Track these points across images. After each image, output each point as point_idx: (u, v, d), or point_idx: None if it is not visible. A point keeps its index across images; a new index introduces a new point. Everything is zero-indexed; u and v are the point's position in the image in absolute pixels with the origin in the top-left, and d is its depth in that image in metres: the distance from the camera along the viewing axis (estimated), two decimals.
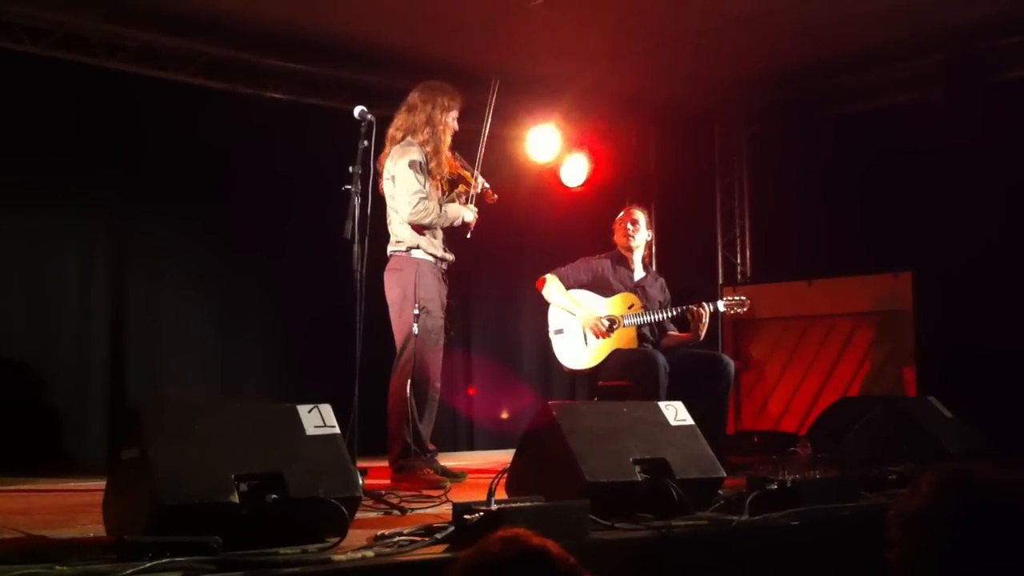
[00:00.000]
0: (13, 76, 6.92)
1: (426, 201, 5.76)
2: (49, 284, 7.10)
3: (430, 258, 5.84)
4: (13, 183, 6.98)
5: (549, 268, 6.72)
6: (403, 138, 5.89)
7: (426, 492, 4.89)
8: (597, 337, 6.38)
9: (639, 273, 6.72)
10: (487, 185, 6.08)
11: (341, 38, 7.67)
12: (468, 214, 5.94)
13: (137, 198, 7.44)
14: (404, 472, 5.61)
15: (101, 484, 3.55)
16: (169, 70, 7.48)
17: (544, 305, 6.61)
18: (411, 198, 5.73)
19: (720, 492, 4.27)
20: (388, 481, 5.44)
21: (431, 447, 5.88)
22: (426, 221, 5.78)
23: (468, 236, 5.99)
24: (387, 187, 5.86)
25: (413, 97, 5.99)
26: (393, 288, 5.82)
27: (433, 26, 7.41)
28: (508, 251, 8.62)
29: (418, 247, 5.81)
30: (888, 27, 7.58)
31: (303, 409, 3.59)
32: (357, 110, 5.15)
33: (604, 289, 6.59)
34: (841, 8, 7.22)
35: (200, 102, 7.57)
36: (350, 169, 5.03)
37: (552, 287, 6.55)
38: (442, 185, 5.97)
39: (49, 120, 7.04)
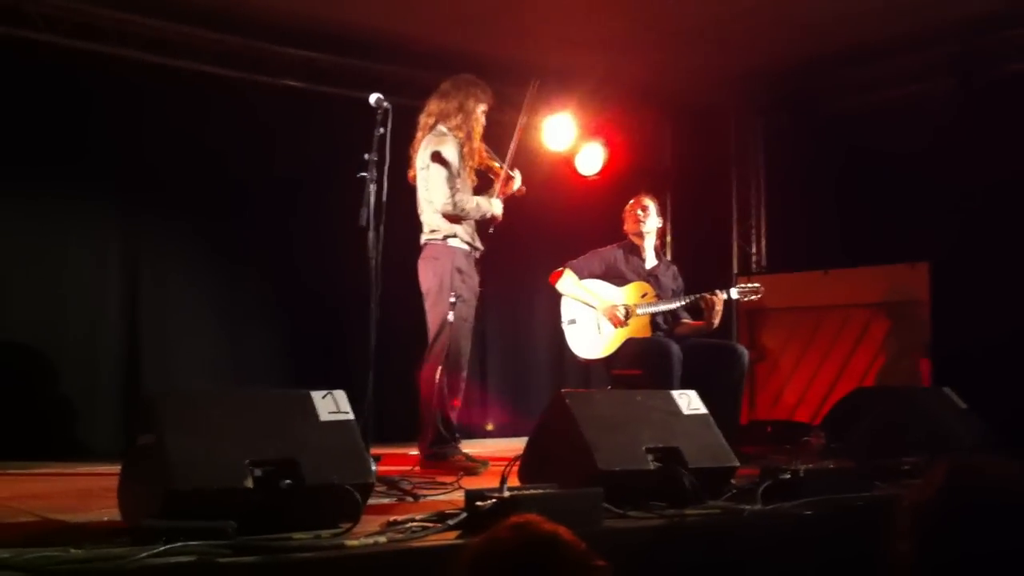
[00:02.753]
0: (24, 63, 6.93)
1: (459, 194, 5.80)
2: (62, 275, 7.10)
3: (466, 247, 5.88)
4: (25, 174, 6.96)
5: (563, 257, 6.72)
6: (435, 124, 5.93)
7: (463, 478, 4.86)
8: (615, 326, 6.39)
9: (651, 261, 6.72)
10: (520, 180, 6.11)
11: (353, 27, 7.66)
12: (497, 207, 5.97)
13: (148, 188, 7.43)
14: (437, 459, 5.61)
15: (116, 469, 3.57)
16: (180, 58, 7.47)
17: (558, 294, 6.62)
18: (444, 189, 5.77)
19: (733, 481, 4.27)
20: (407, 467, 5.44)
21: (456, 435, 5.90)
22: (460, 212, 5.81)
23: (491, 231, 6.02)
24: (421, 178, 5.89)
25: (446, 85, 6.03)
26: (430, 276, 5.84)
27: (446, 15, 7.40)
28: (522, 240, 8.60)
29: (455, 235, 5.85)
30: (899, 20, 7.55)
31: (317, 395, 3.61)
32: (373, 97, 5.14)
33: (617, 279, 6.59)
34: (854, 2, 7.19)
35: (210, 91, 7.55)
36: (365, 156, 5.03)
37: (566, 279, 6.56)
38: (472, 174, 6.00)
39: (61, 113, 7.03)
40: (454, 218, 5.82)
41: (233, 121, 7.55)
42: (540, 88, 6.37)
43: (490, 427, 8.70)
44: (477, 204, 5.88)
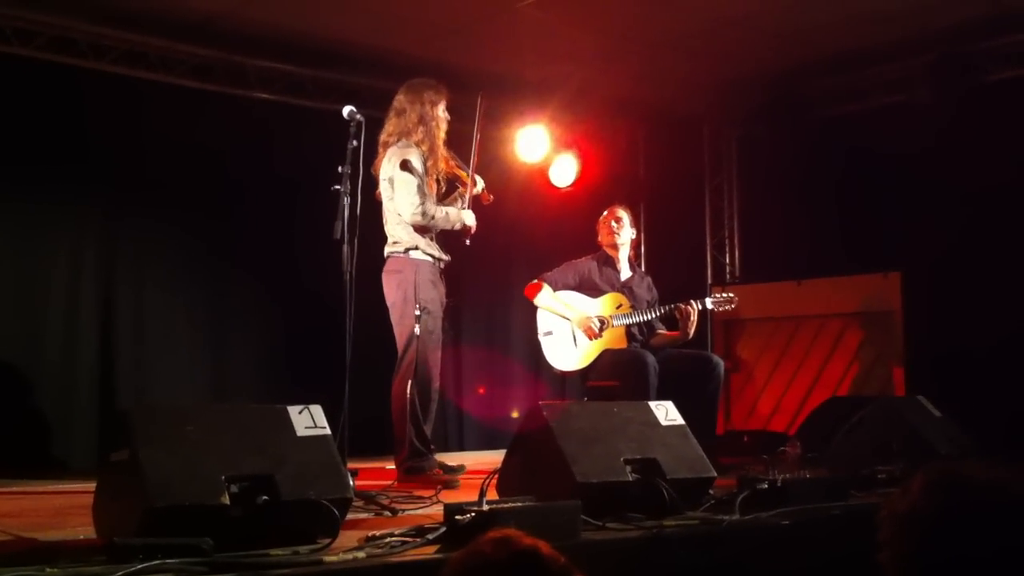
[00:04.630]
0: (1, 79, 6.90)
1: (428, 203, 5.76)
2: (37, 287, 7.07)
3: (429, 259, 5.81)
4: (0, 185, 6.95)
5: (538, 269, 6.73)
6: (397, 141, 5.83)
7: (441, 491, 4.85)
8: (589, 338, 6.39)
9: (625, 273, 6.73)
10: (483, 186, 6.08)
11: (330, 40, 7.66)
12: (468, 218, 5.91)
13: (125, 200, 7.42)
14: (414, 473, 5.57)
15: (91, 486, 3.53)
16: (158, 71, 7.47)
17: (533, 306, 6.61)
18: (412, 199, 5.71)
19: (711, 492, 4.28)
20: (386, 482, 5.41)
21: (431, 447, 5.87)
22: (428, 223, 5.77)
23: (468, 243, 5.97)
24: (384, 190, 5.83)
25: (400, 100, 5.94)
26: (394, 290, 5.78)
27: (422, 28, 7.41)
28: (497, 251, 8.62)
29: (417, 248, 5.78)
30: (874, 30, 7.60)
31: (293, 410, 3.59)
32: (346, 110, 5.14)
33: (591, 290, 6.59)
34: (828, 11, 7.24)
35: (188, 104, 7.55)
36: (339, 169, 5.01)
37: (541, 292, 6.55)
38: (439, 183, 5.96)
39: (35, 123, 7.01)
40: (421, 229, 5.77)
41: (209, 135, 7.52)
42: (495, 101, 6.31)
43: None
44: (446, 214, 5.84)
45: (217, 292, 7.80)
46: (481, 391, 8.92)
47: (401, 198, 5.74)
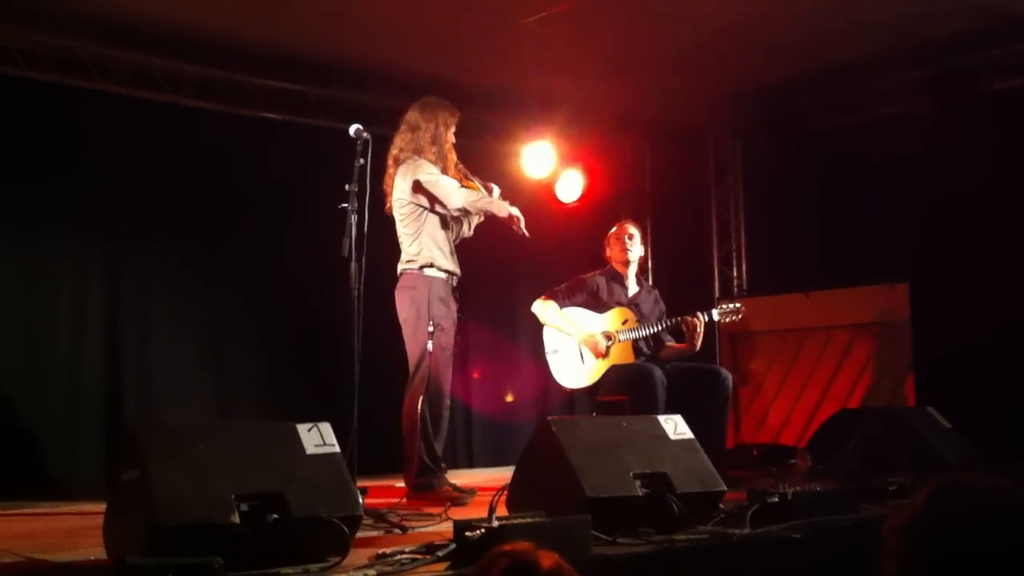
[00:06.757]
0: (5, 100, 6.92)
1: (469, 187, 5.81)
2: (43, 308, 7.07)
3: (443, 275, 5.81)
4: (5, 207, 6.97)
5: (544, 285, 6.73)
6: (410, 157, 5.84)
7: (450, 508, 4.83)
8: (596, 357, 6.38)
9: (633, 288, 6.72)
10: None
11: (334, 57, 7.69)
12: (514, 209, 5.89)
13: (130, 220, 7.43)
14: (424, 490, 5.56)
15: (102, 507, 3.53)
16: (163, 91, 7.50)
17: (540, 323, 6.61)
18: (452, 184, 5.77)
19: (721, 506, 4.27)
20: (395, 499, 5.39)
21: (442, 465, 5.86)
22: (480, 203, 5.83)
23: (527, 234, 5.90)
24: (397, 205, 5.84)
25: (414, 117, 5.94)
26: (407, 306, 5.78)
27: (426, 44, 7.42)
28: (503, 268, 8.61)
29: (432, 265, 5.78)
30: (876, 40, 7.61)
31: (303, 428, 3.59)
32: (353, 128, 5.14)
33: (598, 307, 6.59)
34: (830, 22, 7.24)
35: (192, 123, 7.57)
36: (347, 187, 5.02)
37: (547, 308, 6.55)
38: None
39: (40, 143, 7.03)
40: (433, 244, 5.78)
41: (213, 153, 7.55)
42: (500, 116, 6.30)
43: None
44: (496, 198, 5.90)
45: (223, 310, 7.80)
46: (488, 405, 8.90)
47: (443, 191, 5.77)
